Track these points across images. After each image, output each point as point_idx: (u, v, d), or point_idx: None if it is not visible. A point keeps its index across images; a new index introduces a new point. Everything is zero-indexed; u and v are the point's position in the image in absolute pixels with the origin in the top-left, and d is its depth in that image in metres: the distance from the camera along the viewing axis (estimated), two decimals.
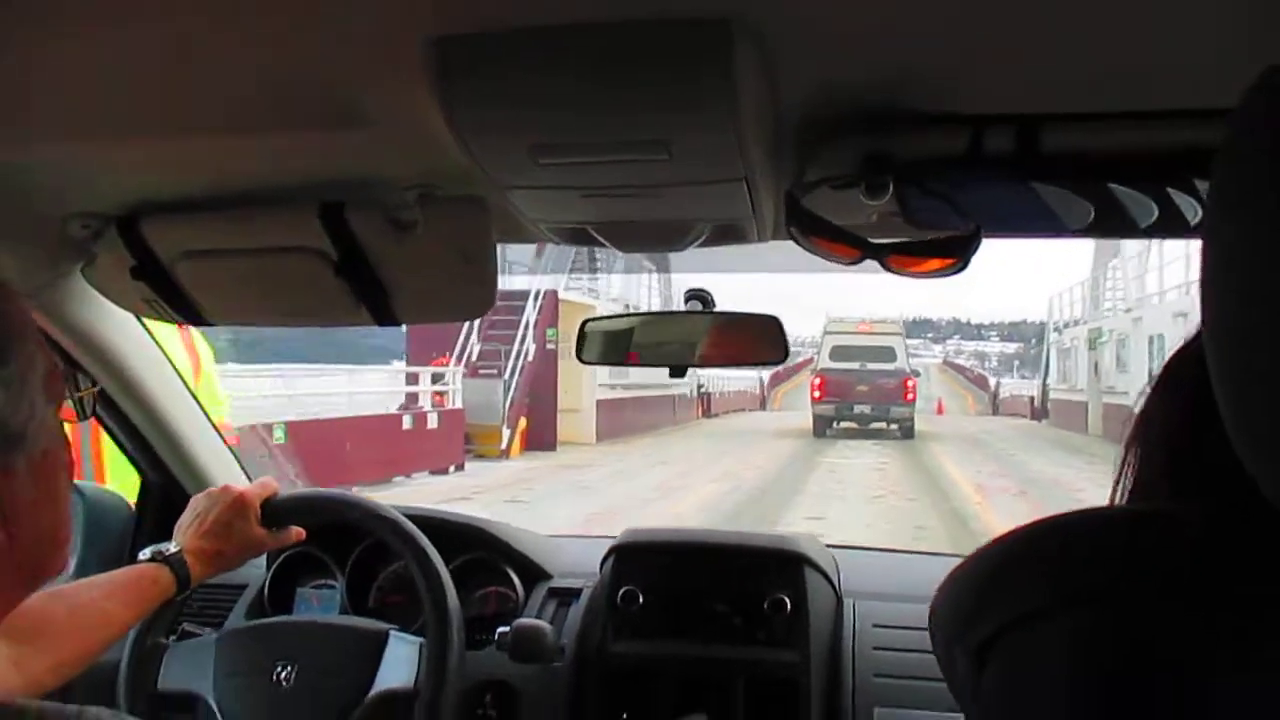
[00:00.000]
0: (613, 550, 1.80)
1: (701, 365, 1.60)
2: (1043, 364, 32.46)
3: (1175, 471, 0.54)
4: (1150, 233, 1.03)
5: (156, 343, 1.73)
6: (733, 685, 1.65)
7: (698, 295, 1.58)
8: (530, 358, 18.74)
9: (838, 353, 25.32)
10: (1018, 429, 27.98)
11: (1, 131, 1.05)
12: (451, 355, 18.00)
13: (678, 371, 1.62)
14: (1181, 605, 0.43)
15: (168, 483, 1.89)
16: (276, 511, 1.52)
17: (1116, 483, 0.57)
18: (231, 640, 1.57)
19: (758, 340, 1.57)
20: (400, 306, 1.36)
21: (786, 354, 1.54)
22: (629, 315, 1.67)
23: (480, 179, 1.10)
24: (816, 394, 24.14)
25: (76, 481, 1.75)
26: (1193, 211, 0.97)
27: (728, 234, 1.28)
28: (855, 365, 24.20)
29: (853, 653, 1.68)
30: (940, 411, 36.17)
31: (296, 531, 1.56)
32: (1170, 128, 0.92)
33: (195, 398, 1.86)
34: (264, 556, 1.84)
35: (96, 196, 1.26)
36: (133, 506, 1.93)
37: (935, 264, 1.04)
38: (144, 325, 1.69)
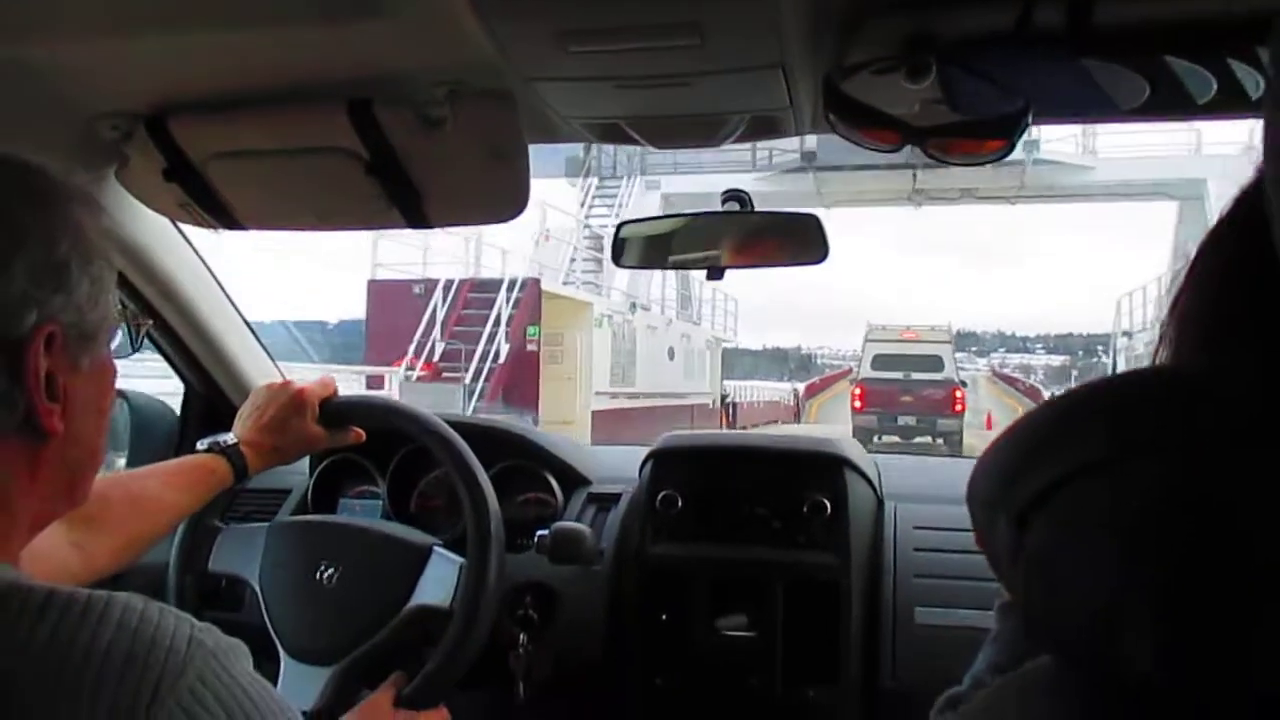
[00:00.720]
0: (651, 455, 1.81)
1: (740, 266, 1.57)
2: (1110, 374, 28.53)
3: (1209, 341, 0.52)
4: (1209, 110, 0.98)
5: (194, 249, 1.73)
6: (772, 587, 1.66)
7: (735, 196, 1.55)
8: (502, 359, 15.37)
9: (880, 361, 22.84)
10: None
11: (21, 28, 1.04)
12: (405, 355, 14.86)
13: (715, 274, 1.59)
14: (1243, 451, 0.41)
15: (209, 389, 1.91)
16: (334, 411, 1.54)
17: (1158, 343, 0.56)
18: (283, 530, 1.60)
19: (797, 239, 1.54)
20: (431, 207, 1.35)
21: (827, 253, 1.51)
22: (666, 218, 1.65)
23: (509, 72, 1.07)
24: (857, 404, 22.01)
25: (121, 387, 1.78)
26: (1254, 84, 0.92)
27: (765, 127, 1.25)
28: (899, 375, 21.93)
29: (894, 554, 1.67)
30: (989, 426, 31.08)
31: (355, 432, 1.57)
32: None
33: (234, 304, 1.87)
34: (306, 462, 1.86)
35: (124, 95, 1.25)
36: (176, 412, 1.96)
37: (980, 147, 1.00)
38: (181, 232, 1.69)
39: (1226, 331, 0.50)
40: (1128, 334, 23.87)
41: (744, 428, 25.78)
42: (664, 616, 1.70)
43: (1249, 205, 0.51)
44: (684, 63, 1.02)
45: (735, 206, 1.55)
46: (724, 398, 27.34)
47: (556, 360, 16.55)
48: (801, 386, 42.75)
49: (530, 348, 15.90)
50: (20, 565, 0.72)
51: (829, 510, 1.67)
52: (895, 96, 1.02)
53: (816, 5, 0.96)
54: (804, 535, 1.68)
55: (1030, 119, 0.97)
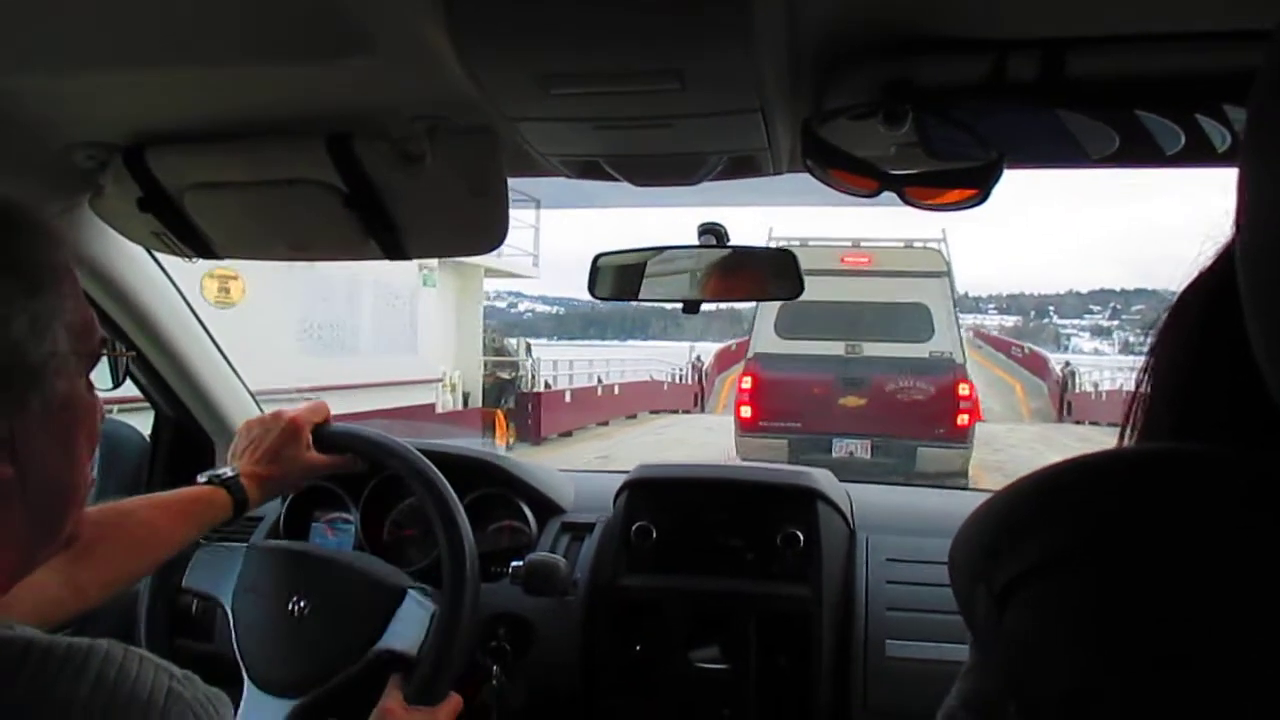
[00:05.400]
0: (626, 485, 1.81)
1: (714, 299, 1.59)
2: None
3: (1180, 412, 0.53)
4: (1176, 160, 1.00)
5: (169, 278, 1.72)
6: (745, 619, 1.67)
7: (711, 229, 1.56)
8: None
9: (796, 319, 11.14)
10: None
11: (2, 59, 1.04)
12: None
13: (690, 307, 1.61)
14: (1211, 545, 0.42)
15: (181, 415, 1.90)
16: (328, 438, 1.54)
17: (1126, 420, 0.56)
18: (259, 555, 1.60)
19: (771, 274, 1.56)
20: (409, 241, 1.35)
21: (801, 289, 1.52)
22: (641, 250, 1.65)
23: (490, 111, 1.08)
24: (746, 410, 11.29)
25: None
26: (1221, 138, 0.94)
27: (743, 166, 1.26)
28: (836, 348, 11.05)
29: (865, 586, 1.69)
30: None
31: (350, 458, 1.57)
32: (1200, 51, 0.89)
33: (209, 333, 1.86)
34: None
35: (101, 125, 1.24)
36: (147, 437, 1.94)
37: (955, 195, 1.02)
38: (156, 260, 1.68)
39: (1196, 413, 0.51)
40: None
41: (571, 433, 16.57)
42: (638, 648, 1.70)
43: (1219, 274, 0.52)
44: (664, 106, 1.03)
45: (711, 240, 1.56)
46: (514, 375, 16.39)
47: None
48: (709, 355, 25.59)
49: None
50: (4, 607, 0.71)
51: (801, 542, 1.68)
52: (872, 142, 1.04)
53: (794, 53, 0.98)
54: (777, 567, 1.70)
55: (1003, 168, 0.99)
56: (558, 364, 19.92)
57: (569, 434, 16.74)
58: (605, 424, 18.36)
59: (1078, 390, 22.90)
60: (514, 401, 16.00)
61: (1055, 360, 28.52)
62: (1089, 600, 0.43)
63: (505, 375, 16.40)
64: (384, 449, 1.58)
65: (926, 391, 10.84)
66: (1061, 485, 0.49)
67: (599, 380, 20.35)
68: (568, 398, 17.65)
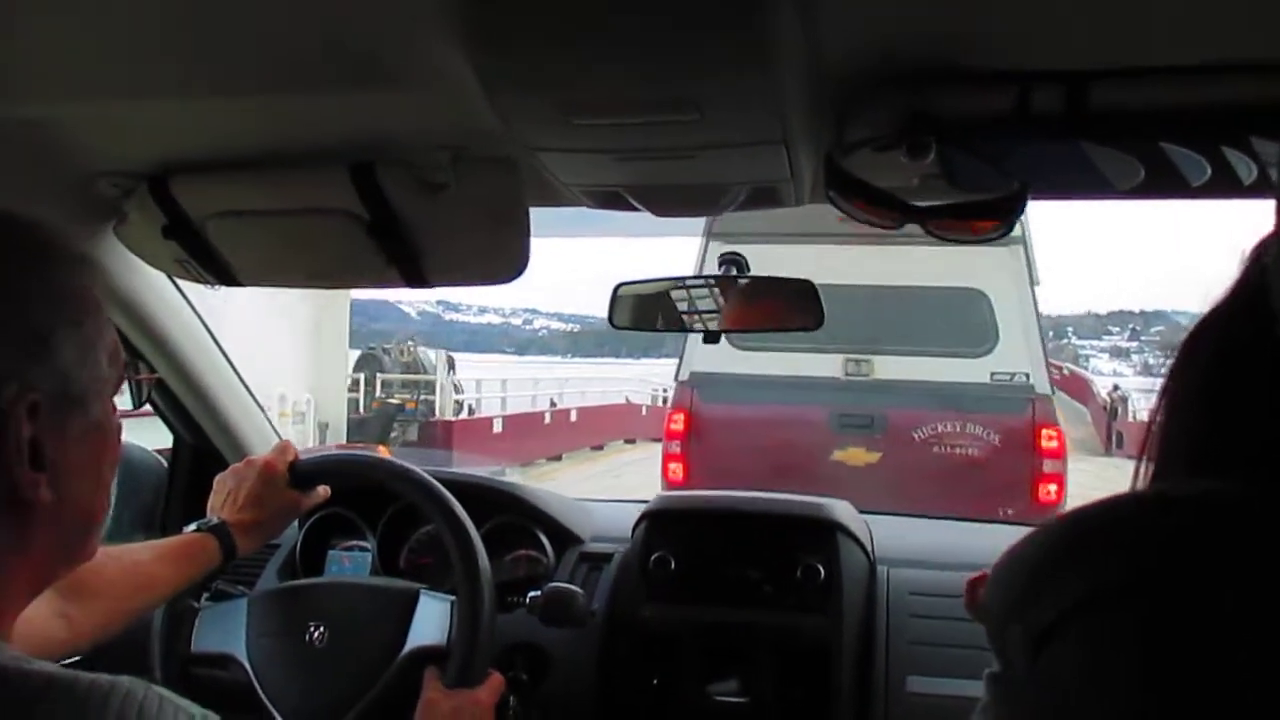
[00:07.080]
0: (645, 515, 1.80)
1: (735, 330, 1.59)
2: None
3: (1197, 443, 0.52)
4: (1202, 193, 0.99)
5: (190, 304, 1.73)
6: (764, 652, 1.65)
7: (732, 259, 1.57)
8: None
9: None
10: None
11: (32, 89, 1.05)
12: None
13: (711, 337, 1.61)
14: (1236, 585, 0.41)
15: (200, 442, 1.90)
16: (303, 474, 1.53)
17: (1141, 450, 0.55)
18: (263, 601, 1.58)
19: (792, 305, 1.56)
20: (431, 269, 1.36)
21: (822, 319, 1.52)
22: (662, 280, 1.66)
23: (512, 140, 1.09)
24: (675, 469, 6.32)
25: None
26: (1247, 171, 0.94)
27: (764, 197, 1.26)
28: (829, 365, 6.10)
29: (886, 620, 1.67)
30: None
31: (322, 489, 1.57)
32: (1225, 83, 0.89)
33: (229, 360, 1.87)
34: None
35: (127, 155, 1.26)
36: (165, 464, 1.94)
37: (979, 226, 1.02)
38: (177, 286, 1.69)
39: (1212, 445, 0.50)
40: None
41: (498, 472, 9.59)
42: (655, 680, 1.68)
43: (1231, 310, 0.51)
44: (685, 136, 1.03)
45: (732, 270, 1.57)
46: (400, 405, 13.25)
47: None
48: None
49: None
50: (12, 636, 0.71)
51: (822, 575, 1.66)
52: (895, 173, 1.04)
53: (816, 85, 0.98)
54: (796, 599, 1.67)
55: (1027, 199, 0.98)
56: (483, 384, 16.69)
57: (500, 473, 10.92)
58: (558, 459, 14.76)
59: (1130, 419, 17.65)
60: (417, 433, 12.51)
61: (1098, 384, 23.88)
62: (1140, 635, 0.43)
63: (396, 401, 12.97)
64: (368, 465, 1.58)
65: (985, 441, 6.09)
66: (1101, 526, 0.48)
67: (551, 404, 16.56)
68: (497, 427, 13.89)
